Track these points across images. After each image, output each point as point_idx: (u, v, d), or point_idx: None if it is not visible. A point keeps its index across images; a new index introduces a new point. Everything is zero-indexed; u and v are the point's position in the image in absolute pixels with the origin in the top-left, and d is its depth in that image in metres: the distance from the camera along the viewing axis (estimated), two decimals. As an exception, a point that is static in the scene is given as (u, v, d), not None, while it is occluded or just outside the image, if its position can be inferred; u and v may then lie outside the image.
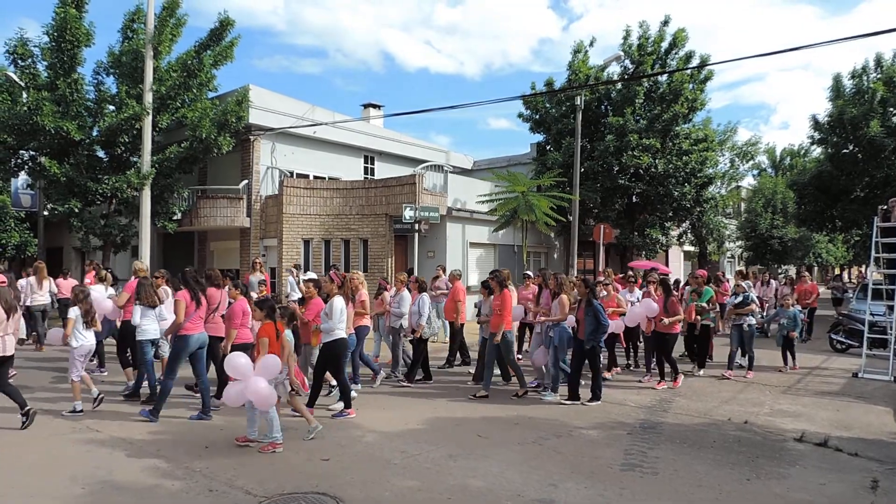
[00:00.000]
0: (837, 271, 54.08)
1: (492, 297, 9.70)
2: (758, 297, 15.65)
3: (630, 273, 14.34)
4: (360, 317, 9.73)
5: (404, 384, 10.22)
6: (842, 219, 26.91)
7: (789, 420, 8.21)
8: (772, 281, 18.41)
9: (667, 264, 32.49)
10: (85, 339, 7.94)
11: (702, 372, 11.39)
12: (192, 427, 7.50)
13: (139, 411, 7.96)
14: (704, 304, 11.49)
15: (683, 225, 28.47)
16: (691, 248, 34.48)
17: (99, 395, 8.21)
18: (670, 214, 24.68)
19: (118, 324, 10.46)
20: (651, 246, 24.43)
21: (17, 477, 5.77)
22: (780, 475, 6.07)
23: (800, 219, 29.99)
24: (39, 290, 13.27)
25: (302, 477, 5.81)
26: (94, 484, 5.59)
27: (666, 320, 10.12)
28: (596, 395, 9.02)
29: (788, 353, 11.90)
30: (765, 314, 12.65)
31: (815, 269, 51.98)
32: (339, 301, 8.04)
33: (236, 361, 6.49)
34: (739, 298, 11.42)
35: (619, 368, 11.62)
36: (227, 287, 8.99)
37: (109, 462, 6.17)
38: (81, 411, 7.92)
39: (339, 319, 7.96)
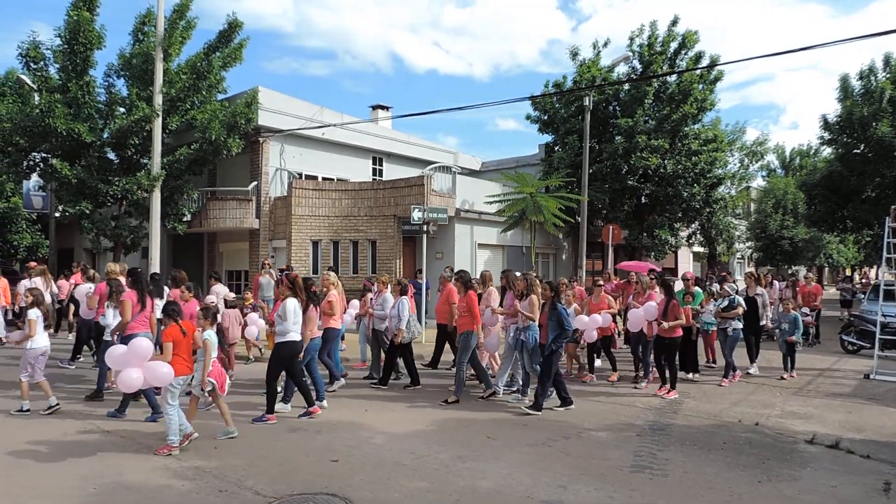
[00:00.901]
0: (849, 272, 53.68)
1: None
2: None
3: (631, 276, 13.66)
4: (327, 318, 9.64)
5: (377, 387, 10.03)
6: (852, 219, 26.74)
7: (800, 422, 8.16)
8: (775, 282, 17.70)
9: (676, 265, 32.40)
10: (40, 342, 8.04)
11: (697, 376, 11.11)
12: (201, 428, 7.51)
13: (106, 413, 8.06)
14: (698, 307, 11.27)
15: (693, 226, 28.37)
16: (701, 249, 34.34)
17: (56, 404, 8.18)
18: (679, 215, 24.61)
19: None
20: (660, 247, 24.36)
21: (29, 477, 5.81)
22: (792, 477, 6.04)
23: (810, 219, 29.82)
24: (44, 291, 13.32)
25: (311, 478, 5.82)
26: (105, 484, 5.62)
27: (666, 324, 9.58)
28: (537, 404, 8.45)
29: (789, 359, 11.39)
30: (770, 317, 12.25)
31: (826, 269, 51.65)
32: (291, 302, 7.94)
33: (114, 353, 6.69)
34: (725, 302, 10.99)
35: (616, 375, 11.01)
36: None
37: (120, 462, 6.20)
38: (28, 410, 8.00)
39: (294, 321, 7.89)
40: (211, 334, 7.00)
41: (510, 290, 9.70)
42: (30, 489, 5.50)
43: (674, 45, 23.57)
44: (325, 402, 8.51)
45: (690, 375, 11.03)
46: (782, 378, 11.04)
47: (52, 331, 10.54)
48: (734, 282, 14.29)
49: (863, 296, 20.68)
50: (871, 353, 12.14)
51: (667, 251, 25.55)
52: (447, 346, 11.09)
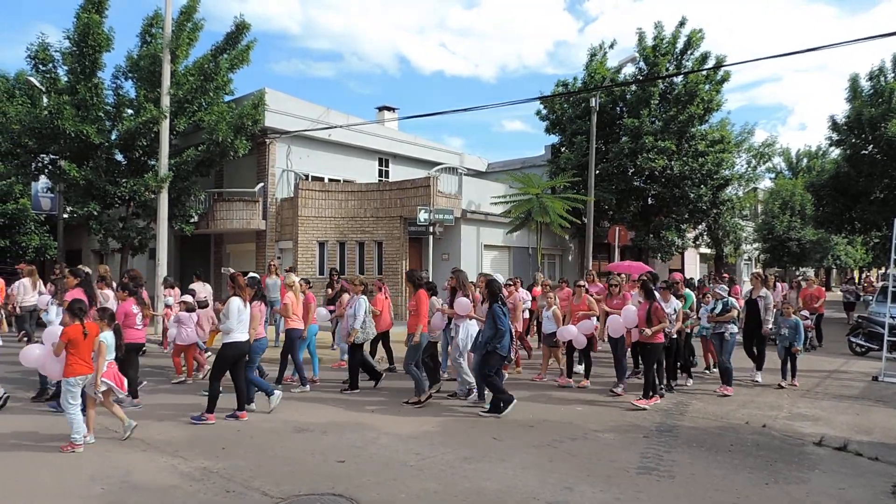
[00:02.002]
0: (856, 273, 53.40)
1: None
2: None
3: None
4: (288, 320, 9.73)
5: (350, 393, 9.83)
6: (861, 220, 26.61)
7: (808, 424, 8.13)
8: (777, 284, 16.87)
9: (682, 267, 32.32)
10: None
11: (690, 382, 10.64)
12: (209, 428, 7.55)
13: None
14: (688, 311, 10.81)
15: (700, 227, 28.29)
16: (708, 251, 34.23)
17: (4, 394, 8.36)
18: (686, 216, 24.55)
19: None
20: (667, 248, 24.31)
21: (38, 477, 5.84)
22: (799, 479, 6.01)
23: (818, 221, 29.70)
24: (32, 292, 13.44)
25: (318, 478, 5.83)
26: (113, 484, 5.65)
27: (648, 331, 9.01)
28: (496, 408, 8.27)
29: (789, 367, 10.68)
30: (771, 321, 11.61)
31: (834, 271, 51.40)
32: (234, 302, 7.91)
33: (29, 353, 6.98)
34: (719, 306, 10.32)
35: (586, 381, 10.49)
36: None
37: (127, 462, 6.23)
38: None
39: (239, 321, 7.86)
40: (107, 336, 6.95)
41: (460, 290, 9.48)
42: (37, 488, 5.54)
43: (680, 45, 23.53)
44: (253, 405, 8.43)
45: (686, 381, 10.59)
46: (780, 386, 10.40)
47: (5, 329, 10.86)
48: (728, 283, 13.79)
49: (871, 298, 20.55)
50: (880, 355, 12.08)
51: (673, 252, 25.49)
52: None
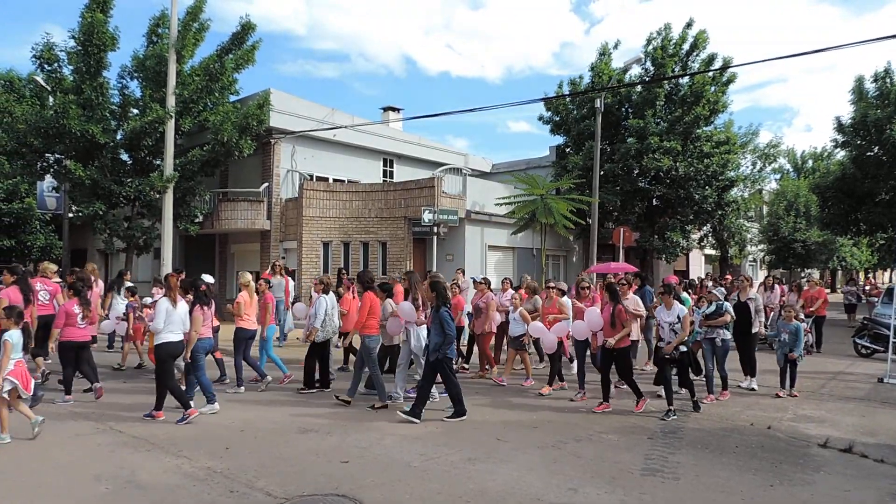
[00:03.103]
0: (861, 275, 53.23)
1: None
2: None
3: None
4: (238, 319, 9.79)
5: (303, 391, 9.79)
6: (866, 222, 26.53)
7: (813, 425, 8.11)
8: (776, 286, 16.21)
9: (687, 268, 32.26)
10: None
11: (683, 391, 9.44)
12: (213, 429, 7.57)
13: None
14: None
15: (705, 228, 28.24)
16: (713, 252, 34.17)
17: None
18: (691, 217, 24.50)
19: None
20: (672, 249, 24.26)
21: (43, 476, 5.86)
22: (805, 481, 5.99)
23: (823, 222, 29.63)
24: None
25: (322, 479, 5.84)
26: (117, 484, 5.67)
27: (610, 340, 8.63)
28: (415, 413, 7.96)
29: (788, 376, 10.04)
30: (768, 324, 10.82)
31: (840, 272, 51.24)
32: (162, 303, 7.97)
33: None
34: (712, 308, 9.70)
35: (564, 383, 10.30)
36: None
37: (132, 462, 6.25)
38: None
39: (167, 321, 7.87)
40: (12, 335, 6.96)
41: (411, 293, 9.30)
42: (43, 488, 5.55)
43: (686, 47, 23.50)
44: (215, 405, 8.44)
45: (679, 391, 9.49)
46: (777, 396, 9.83)
47: None
48: (724, 285, 12.92)
49: (875, 300, 20.48)
50: (885, 357, 12.04)
51: (678, 254, 25.44)
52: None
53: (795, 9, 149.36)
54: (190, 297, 8.47)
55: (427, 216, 16.54)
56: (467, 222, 19.95)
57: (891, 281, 40.57)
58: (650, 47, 23.87)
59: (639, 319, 10.22)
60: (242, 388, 9.79)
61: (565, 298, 10.60)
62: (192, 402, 8.01)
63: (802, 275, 35.72)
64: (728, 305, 9.78)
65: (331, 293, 10.20)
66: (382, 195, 19.82)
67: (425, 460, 6.42)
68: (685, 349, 8.65)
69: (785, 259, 36.34)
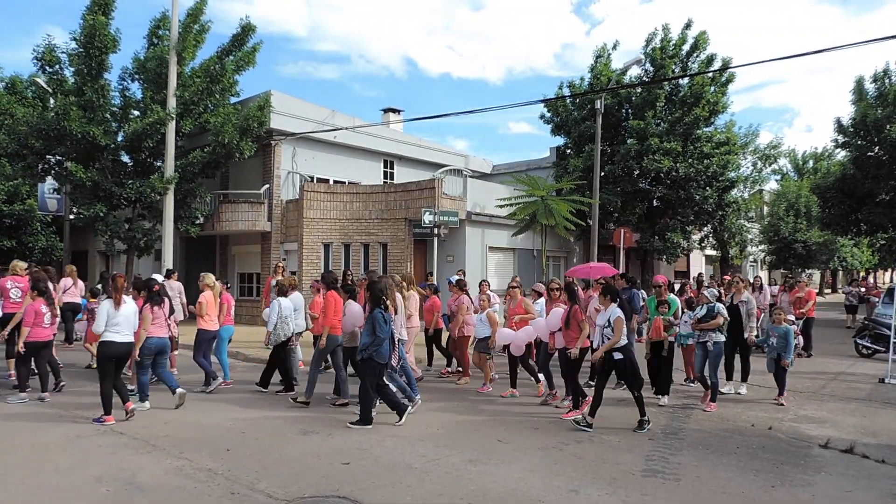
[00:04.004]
0: (863, 275, 53.14)
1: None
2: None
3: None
4: (200, 319, 9.95)
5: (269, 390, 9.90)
6: (867, 222, 26.52)
7: (814, 426, 8.11)
8: (765, 287, 15.63)
9: (688, 268, 32.25)
10: None
11: (665, 399, 9.31)
12: (214, 430, 7.57)
13: None
14: (671, 318, 9.55)
15: (705, 229, 28.25)
16: (713, 253, 34.17)
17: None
18: (692, 218, 24.51)
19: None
20: (672, 250, 24.27)
21: (44, 477, 5.86)
22: (806, 482, 5.99)
23: (824, 222, 29.62)
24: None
25: (323, 481, 5.84)
26: (118, 485, 5.67)
27: (572, 351, 8.39)
28: (365, 419, 7.77)
29: (778, 381, 9.53)
30: (753, 328, 10.10)
31: (840, 273, 51.23)
32: (104, 304, 8.02)
33: None
34: (702, 311, 9.22)
35: (515, 391, 9.89)
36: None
37: (133, 463, 6.25)
38: None
39: (110, 322, 7.90)
40: None
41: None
42: (44, 490, 5.56)
43: (685, 48, 23.53)
44: (146, 404, 8.59)
45: (659, 399, 9.31)
46: (780, 403, 9.34)
47: None
48: (719, 287, 12.09)
49: (876, 300, 20.47)
50: (886, 357, 12.03)
51: (679, 254, 25.46)
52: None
53: (795, 10, 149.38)
54: (142, 296, 8.65)
55: (427, 217, 16.53)
56: (468, 224, 19.96)
57: (891, 281, 40.52)
58: (649, 48, 23.91)
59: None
60: (218, 380, 9.97)
61: (530, 298, 10.37)
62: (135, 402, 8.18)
63: (790, 274, 35.68)
64: (721, 307, 9.30)
65: (297, 294, 10.28)
66: (383, 196, 19.82)
67: (426, 462, 6.42)
68: (620, 356, 7.80)
69: (785, 259, 36.34)
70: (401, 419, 7.89)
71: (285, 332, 9.81)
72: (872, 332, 14.59)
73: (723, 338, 9.23)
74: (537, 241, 21.22)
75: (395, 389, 8.39)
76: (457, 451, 6.81)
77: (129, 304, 8.20)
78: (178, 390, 8.60)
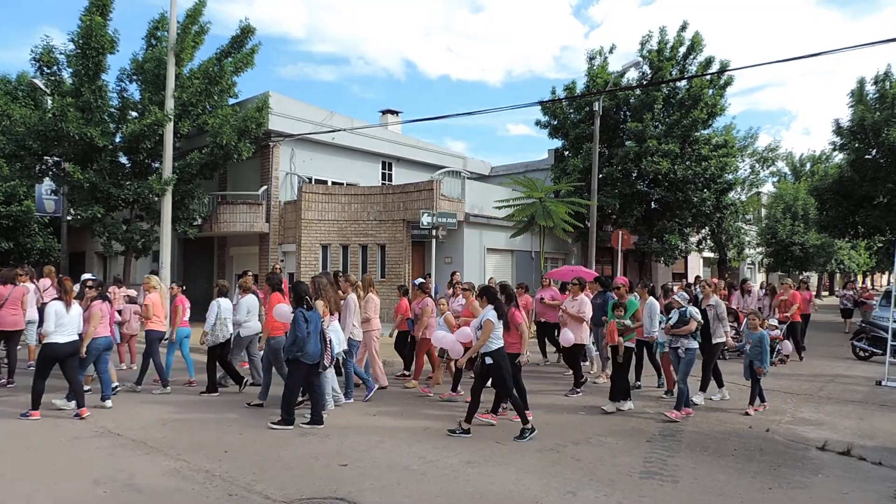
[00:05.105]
0: (860, 278, 53.21)
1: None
2: (736, 309, 14.04)
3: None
4: (147, 321, 10.10)
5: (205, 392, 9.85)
6: (864, 225, 26.59)
7: (811, 428, 8.12)
8: (752, 290, 15.32)
9: (686, 271, 32.28)
10: None
11: (628, 406, 8.94)
12: (211, 432, 7.56)
13: None
14: (628, 322, 9.09)
15: (703, 231, 28.29)
16: (711, 255, 34.22)
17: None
18: (689, 220, 24.55)
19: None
20: (670, 252, 24.30)
21: (41, 479, 5.85)
22: (803, 484, 6.00)
23: (821, 225, 29.69)
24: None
25: (320, 482, 5.83)
26: (116, 486, 5.66)
27: (488, 359, 7.67)
28: (286, 420, 7.71)
29: (752, 389, 9.09)
30: (728, 332, 9.71)
31: (838, 275, 51.33)
32: (52, 305, 8.07)
33: None
34: (674, 317, 8.77)
35: (462, 391, 9.64)
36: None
37: (130, 465, 6.24)
38: None
39: (57, 323, 7.94)
40: None
41: (318, 297, 8.78)
42: (41, 492, 5.55)
43: (682, 50, 23.58)
44: (108, 402, 8.63)
45: (620, 405, 8.89)
46: (745, 413, 8.87)
47: None
48: (694, 287, 11.84)
49: (873, 302, 20.51)
50: (883, 360, 12.06)
51: (677, 256, 25.50)
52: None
53: (794, 12, 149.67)
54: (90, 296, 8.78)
55: (426, 219, 16.53)
56: (466, 225, 19.97)
57: (888, 284, 40.57)
58: (644, 50, 23.96)
59: (584, 324, 10.06)
60: (169, 388, 9.92)
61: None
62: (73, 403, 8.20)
63: (801, 277, 35.65)
64: (694, 311, 8.76)
65: (251, 296, 10.26)
66: (381, 198, 19.83)
67: (424, 463, 6.42)
68: (490, 361, 7.52)
69: (783, 262, 36.39)
70: (314, 425, 7.75)
71: (223, 334, 9.84)
72: (870, 334, 14.62)
73: (695, 344, 8.78)
74: (536, 242, 21.25)
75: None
76: (454, 452, 6.81)
77: (76, 306, 8.31)
78: (108, 403, 8.60)
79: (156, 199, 17.97)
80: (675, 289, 11.70)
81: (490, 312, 7.61)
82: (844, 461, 6.78)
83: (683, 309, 8.75)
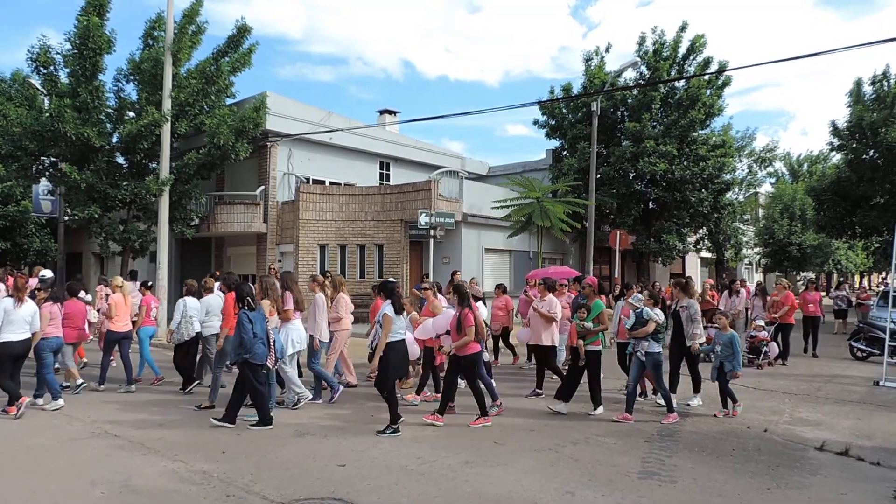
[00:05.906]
0: (858, 279, 53.32)
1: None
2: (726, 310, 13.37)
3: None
4: (109, 321, 10.24)
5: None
6: (861, 225, 26.64)
7: (809, 428, 8.12)
8: (742, 290, 14.92)
9: (683, 271, 32.30)
10: None
11: (599, 410, 8.71)
12: (209, 432, 7.54)
13: None
14: (589, 325, 8.57)
15: (700, 231, 28.32)
16: (708, 255, 34.25)
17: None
18: (687, 220, 24.59)
19: None
20: (668, 252, 24.33)
21: (38, 481, 5.83)
22: (801, 485, 6.00)
23: (819, 225, 29.73)
24: None
25: (318, 483, 5.82)
26: (113, 488, 5.64)
27: (445, 348, 8.15)
28: (263, 419, 7.71)
29: (721, 392, 8.81)
30: (699, 334, 9.24)
31: (835, 275, 51.41)
32: (4, 302, 8.12)
33: None
34: (630, 320, 8.55)
35: (428, 393, 9.60)
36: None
37: (128, 467, 6.22)
38: None
39: (7, 321, 7.99)
40: None
41: (266, 297, 8.70)
42: (38, 493, 5.52)
43: (682, 50, 23.60)
44: (60, 401, 8.61)
45: (561, 408, 8.70)
46: (715, 415, 8.69)
47: None
48: (652, 288, 11.41)
49: (870, 303, 20.53)
50: (881, 360, 12.06)
51: (674, 256, 25.52)
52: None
53: (791, 13, 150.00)
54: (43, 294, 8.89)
55: (423, 219, 16.53)
56: (464, 225, 19.97)
57: (884, 284, 40.64)
58: (641, 50, 23.98)
59: (553, 324, 9.89)
60: (133, 387, 9.96)
61: (442, 298, 10.14)
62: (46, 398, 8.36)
63: (798, 278, 35.75)
64: (649, 312, 8.39)
65: (214, 296, 10.21)
66: (379, 198, 19.82)
67: (422, 464, 6.41)
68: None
69: (780, 262, 36.42)
70: (261, 425, 7.70)
71: (189, 332, 9.95)
72: (867, 335, 14.64)
73: (657, 347, 8.41)
74: (533, 242, 21.25)
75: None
76: (453, 452, 6.79)
77: (29, 304, 8.34)
78: (60, 401, 8.59)
79: (153, 199, 17.95)
80: (633, 289, 11.38)
81: (387, 308, 7.72)
82: (842, 461, 6.78)
83: (639, 310, 8.48)
